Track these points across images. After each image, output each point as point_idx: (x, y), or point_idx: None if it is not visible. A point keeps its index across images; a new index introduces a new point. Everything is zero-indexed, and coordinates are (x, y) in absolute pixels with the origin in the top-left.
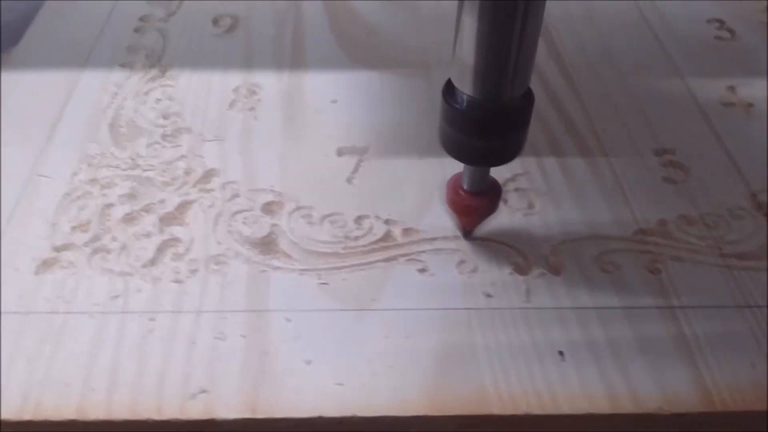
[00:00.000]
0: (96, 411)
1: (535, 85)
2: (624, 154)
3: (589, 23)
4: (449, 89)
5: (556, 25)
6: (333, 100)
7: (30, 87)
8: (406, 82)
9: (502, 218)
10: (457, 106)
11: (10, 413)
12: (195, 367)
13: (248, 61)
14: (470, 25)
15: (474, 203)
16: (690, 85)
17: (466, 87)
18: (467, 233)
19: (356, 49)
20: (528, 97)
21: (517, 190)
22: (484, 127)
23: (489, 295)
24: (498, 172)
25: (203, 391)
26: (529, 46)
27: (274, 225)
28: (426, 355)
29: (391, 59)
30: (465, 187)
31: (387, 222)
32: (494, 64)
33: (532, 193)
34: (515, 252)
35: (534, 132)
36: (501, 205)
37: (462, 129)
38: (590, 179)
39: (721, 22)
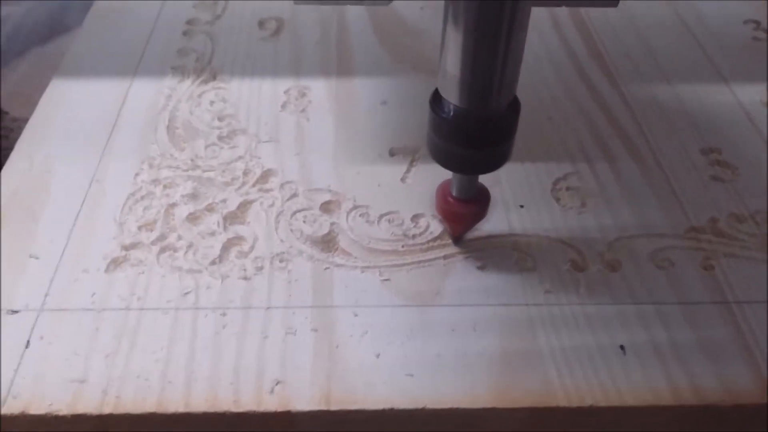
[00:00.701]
0: (175, 404)
1: (579, 85)
2: (671, 153)
3: (629, 24)
4: (436, 99)
5: (597, 27)
6: (383, 101)
7: (85, 91)
8: None
9: (557, 216)
10: (444, 115)
11: (90, 408)
12: (268, 361)
13: (296, 64)
14: (456, 37)
15: (463, 210)
16: (731, 86)
17: (452, 97)
18: (457, 239)
19: (400, 51)
20: (514, 106)
21: (568, 189)
22: (471, 137)
23: (548, 292)
24: (548, 172)
25: (278, 383)
26: (513, 57)
27: (333, 223)
28: (491, 350)
29: (434, 59)
30: (454, 194)
31: (443, 221)
32: (480, 75)
33: (584, 191)
34: (571, 249)
35: (582, 132)
36: (554, 203)
37: (449, 138)
38: (639, 178)
39: (757, 23)
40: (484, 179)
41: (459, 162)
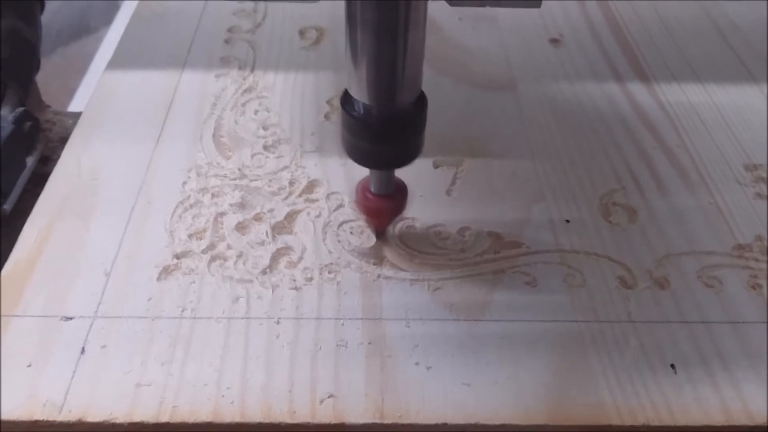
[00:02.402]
0: (231, 415)
1: (620, 96)
2: (714, 167)
3: (666, 34)
4: (346, 98)
5: (636, 40)
6: None
7: (130, 100)
8: (493, 95)
9: (604, 232)
10: (354, 114)
11: (147, 416)
12: (320, 372)
13: (337, 73)
14: (357, 37)
15: (381, 205)
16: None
17: (359, 95)
18: (379, 234)
19: (441, 62)
20: (420, 102)
21: (615, 204)
22: (380, 133)
23: (598, 309)
24: (594, 186)
25: (331, 396)
26: (413, 54)
27: (380, 236)
28: (542, 366)
29: (475, 71)
30: (372, 190)
31: (490, 234)
32: (382, 72)
33: (630, 207)
34: (620, 266)
35: (626, 146)
36: (601, 219)
37: (360, 135)
38: (684, 193)
39: None
40: (529, 195)
41: (371, 158)
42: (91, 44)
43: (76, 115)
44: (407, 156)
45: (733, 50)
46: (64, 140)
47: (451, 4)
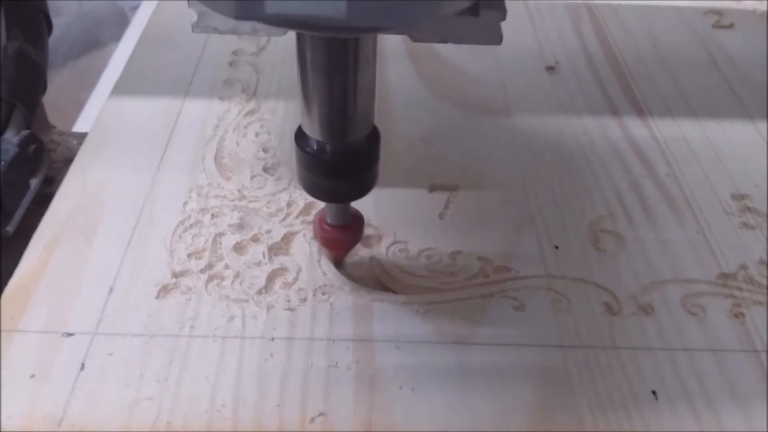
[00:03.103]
0: (224, 430)
1: (612, 125)
2: (702, 197)
3: (662, 64)
4: (300, 135)
5: (632, 69)
6: (422, 138)
7: (134, 120)
8: (489, 121)
9: (591, 258)
10: (308, 150)
11: (142, 430)
12: (311, 391)
13: None
14: (307, 75)
15: (338, 236)
16: (759, 127)
17: (312, 132)
18: (337, 264)
19: (439, 87)
20: (373, 137)
21: (603, 231)
22: (333, 168)
23: (583, 334)
24: (583, 213)
25: (321, 414)
26: (364, 92)
27: (373, 258)
28: (526, 390)
29: (472, 97)
30: (329, 222)
31: (480, 259)
32: (334, 111)
33: (618, 234)
34: (606, 292)
35: (616, 174)
36: (590, 246)
37: (315, 171)
38: (672, 221)
39: None
40: (519, 220)
41: (326, 192)
42: (101, 58)
43: (81, 136)
44: (361, 189)
45: (727, 81)
46: (68, 161)
47: (414, 41)
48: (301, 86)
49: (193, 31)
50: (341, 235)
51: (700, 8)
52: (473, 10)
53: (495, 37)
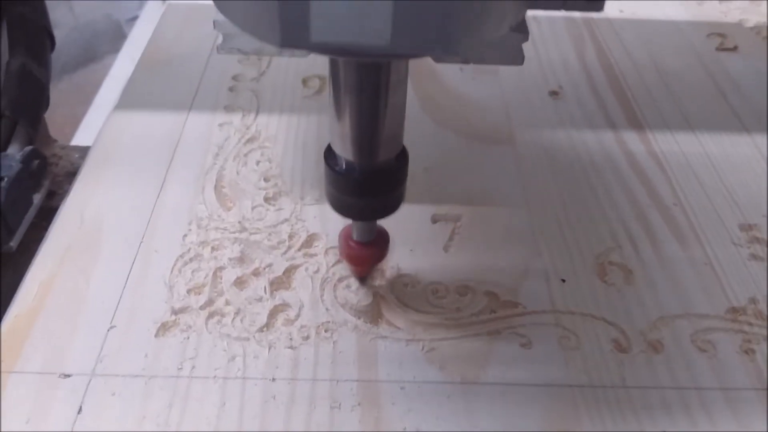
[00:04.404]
0: None
1: (617, 152)
2: (709, 227)
3: (666, 90)
4: (330, 154)
5: (635, 93)
6: (425, 167)
7: (133, 148)
8: (492, 148)
9: (599, 292)
10: (337, 169)
11: None
12: None
13: None
14: (340, 97)
15: (363, 253)
16: (764, 153)
17: (342, 152)
18: (362, 279)
19: (441, 115)
20: (402, 157)
21: (611, 263)
22: (362, 187)
23: (592, 373)
24: (590, 246)
25: None
26: (395, 114)
27: (377, 293)
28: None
29: (475, 123)
30: (354, 238)
31: (486, 294)
32: (365, 131)
33: (626, 267)
34: (614, 328)
35: (622, 203)
36: (597, 280)
37: (343, 189)
38: (679, 253)
39: None
40: (525, 252)
41: (353, 210)
42: (98, 72)
43: (83, 150)
44: (388, 208)
45: (730, 105)
46: (70, 175)
47: (436, 61)
48: (333, 106)
49: (218, 52)
50: (366, 252)
51: (703, 28)
52: None
53: (517, 58)
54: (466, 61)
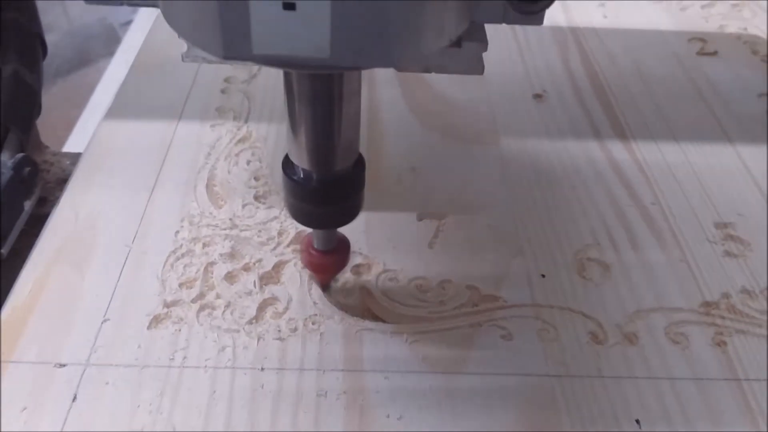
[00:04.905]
0: None
1: (599, 154)
2: (686, 225)
3: (648, 96)
4: (287, 163)
5: (617, 97)
6: (412, 167)
7: (126, 149)
8: (477, 150)
9: (577, 287)
10: (295, 178)
11: None
12: (301, 421)
13: None
14: (295, 107)
15: (325, 261)
16: (744, 159)
17: (299, 161)
18: (324, 287)
19: (429, 117)
20: (358, 165)
21: (590, 260)
22: (319, 196)
23: (569, 364)
24: (570, 242)
25: None
26: (350, 124)
27: (363, 287)
28: (512, 419)
29: (461, 126)
30: (315, 247)
31: (468, 288)
32: (319, 140)
33: (604, 263)
34: (591, 321)
35: (602, 203)
36: (576, 275)
37: (300, 198)
38: (656, 250)
39: None
40: (507, 249)
41: (313, 219)
42: (91, 75)
43: (74, 156)
44: (347, 216)
45: (710, 109)
46: (61, 181)
47: (398, 70)
48: (289, 116)
49: (183, 60)
50: (327, 260)
51: (684, 35)
52: (456, 42)
53: (477, 68)
54: (427, 70)
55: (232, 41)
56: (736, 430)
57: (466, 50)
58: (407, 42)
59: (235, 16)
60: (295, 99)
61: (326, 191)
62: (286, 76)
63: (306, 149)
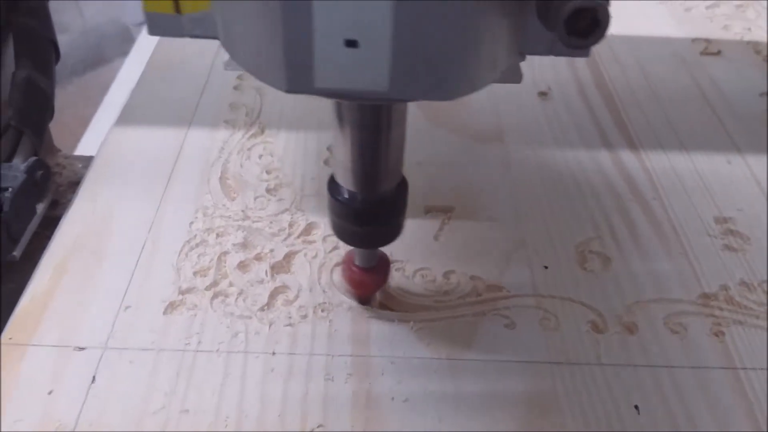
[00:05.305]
0: None
1: (602, 151)
2: (686, 220)
3: (651, 95)
4: (333, 184)
5: (621, 97)
6: (418, 162)
7: (144, 141)
8: (483, 146)
9: (579, 278)
10: (340, 199)
11: None
12: (311, 404)
13: None
14: (343, 132)
15: (365, 278)
16: (745, 157)
17: (345, 183)
18: (363, 301)
19: (435, 113)
20: (401, 187)
21: (591, 252)
22: (363, 217)
23: (569, 352)
24: (572, 235)
25: (320, 426)
26: (395, 149)
27: None
28: (514, 405)
29: (468, 123)
30: (357, 264)
31: (472, 278)
32: (367, 165)
33: (605, 255)
34: (592, 311)
35: (604, 198)
36: (577, 267)
37: (345, 218)
38: (656, 243)
39: None
40: (511, 242)
41: (356, 238)
42: (106, 75)
43: (86, 159)
44: (389, 236)
45: (713, 109)
46: (73, 184)
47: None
48: (335, 140)
49: (225, 69)
50: (367, 277)
51: (688, 35)
52: None
53: (515, 77)
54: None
55: (296, 76)
56: (733, 416)
57: None
58: (462, 77)
59: (299, 53)
60: (343, 124)
61: (370, 212)
62: (336, 103)
63: (352, 172)
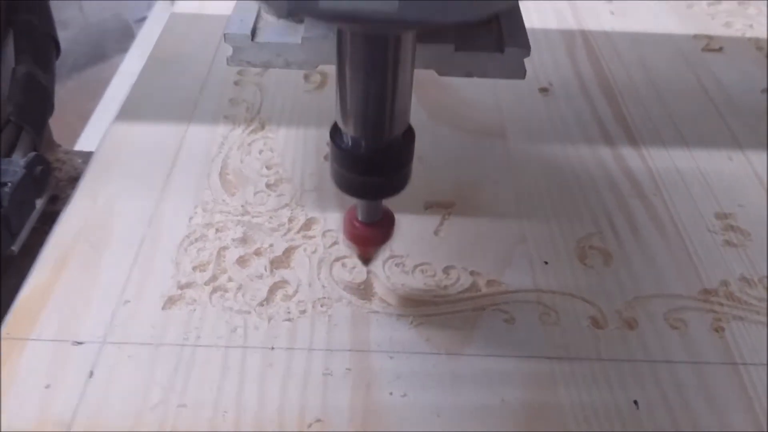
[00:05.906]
0: None
1: (603, 147)
2: (687, 216)
3: (653, 90)
4: (335, 131)
5: (622, 92)
6: (419, 157)
7: (144, 136)
8: (484, 142)
9: (579, 274)
10: (343, 146)
11: None
12: (309, 398)
13: None
14: (346, 72)
15: (369, 234)
16: (746, 153)
17: (348, 128)
18: (366, 261)
19: (436, 108)
20: (408, 135)
21: (591, 247)
22: (367, 165)
23: (569, 347)
24: (572, 231)
25: (318, 420)
26: (402, 91)
27: (370, 272)
28: (513, 400)
29: (469, 119)
30: (359, 219)
31: (472, 273)
32: (371, 108)
33: (605, 251)
34: (592, 307)
35: (605, 193)
36: (577, 262)
37: (348, 167)
38: (657, 239)
39: None
40: (511, 237)
41: (359, 189)
42: (106, 71)
43: (86, 155)
44: (395, 187)
45: (715, 105)
46: (73, 180)
47: (440, 74)
48: (339, 83)
49: (228, 64)
50: (371, 233)
51: (690, 31)
52: (499, 47)
53: (519, 72)
54: (469, 75)
55: None
56: (732, 411)
57: (508, 55)
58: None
59: None
60: (346, 63)
61: (375, 160)
62: (339, 39)
63: (356, 116)
